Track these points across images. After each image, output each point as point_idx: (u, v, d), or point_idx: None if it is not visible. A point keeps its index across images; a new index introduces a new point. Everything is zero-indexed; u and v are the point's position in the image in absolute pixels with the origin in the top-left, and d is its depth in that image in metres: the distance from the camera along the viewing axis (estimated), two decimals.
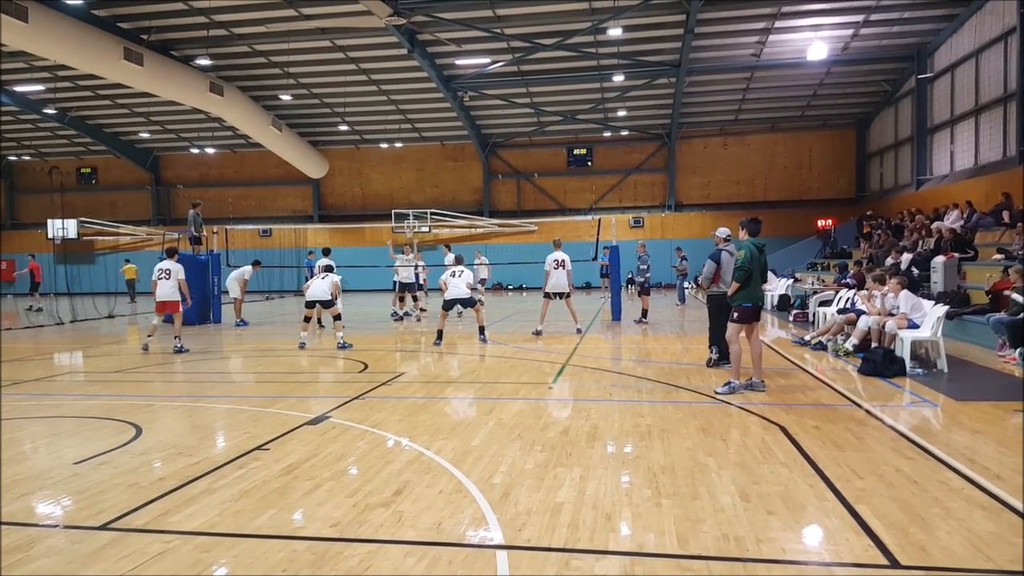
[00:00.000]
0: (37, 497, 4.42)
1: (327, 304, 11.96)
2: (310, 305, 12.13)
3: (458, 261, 12.56)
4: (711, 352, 9.20)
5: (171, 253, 12.15)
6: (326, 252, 14.16)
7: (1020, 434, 5.56)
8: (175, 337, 11.65)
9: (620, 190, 30.93)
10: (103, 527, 3.87)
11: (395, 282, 16.84)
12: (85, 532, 3.81)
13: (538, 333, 12.87)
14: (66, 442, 5.81)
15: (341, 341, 11.69)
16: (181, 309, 11.80)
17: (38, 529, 3.89)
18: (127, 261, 27.86)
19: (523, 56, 22.77)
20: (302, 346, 11.71)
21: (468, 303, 11.94)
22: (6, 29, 16.19)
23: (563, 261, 13.08)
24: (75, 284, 22.24)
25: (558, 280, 13.03)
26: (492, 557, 3.42)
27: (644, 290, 15.53)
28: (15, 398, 7.82)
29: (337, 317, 12.02)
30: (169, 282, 11.62)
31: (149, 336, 11.94)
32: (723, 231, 8.90)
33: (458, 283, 11.86)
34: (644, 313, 15.13)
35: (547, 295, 13.24)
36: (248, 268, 16.75)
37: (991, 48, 18.16)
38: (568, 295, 13.28)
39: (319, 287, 11.94)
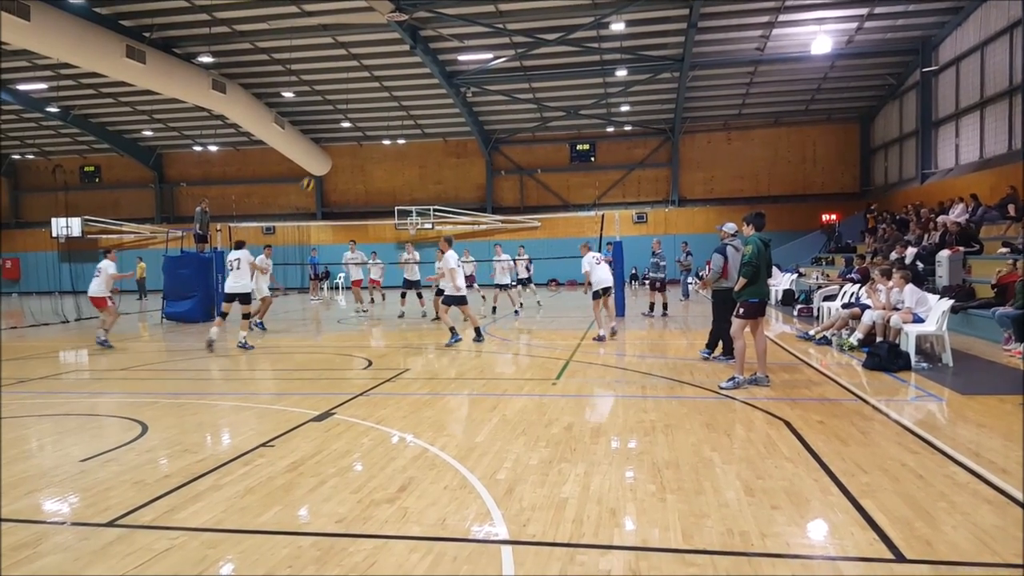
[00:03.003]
0: (44, 494, 4.45)
1: (244, 299, 11.22)
2: (229, 299, 11.37)
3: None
4: (707, 347, 9.38)
5: (106, 252, 12.29)
6: (238, 246, 11.91)
7: None
8: (103, 331, 11.69)
9: (623, 185, 30.86)
10: (110, 524, 3.89)
11: (405, 279, 16.85)
12: (92, 529, 3.83)
13: (601, 338, 11.47)
14: (72, 439, 5.84)
15: (242, 340, 11.14)
16: (109, 305, 11.85)
17: (45, 526, 3.92)
18: (139, 259, 27.91)
19: (526, 51, 22.70)
20: (241, 346, 11.24)
21: (459, 301, 11.63)
22: (8, 27, 16.19)
23: (601, 258, 12.01)
24: (79, 282, 22.27)
25: (604, 275, 11.66)
26: (497, 552, 3.43)
27: (661, 286, 15.63)
28: (21, 396, 7.86)
29: (246, 316, 11.39)
30: (99, 279, 11.77)
31: (105, 330, 11.96)
32: (730, 226, 8.91)
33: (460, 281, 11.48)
34: (664, 307, 15.48)
35: (596, 295, 11.59)
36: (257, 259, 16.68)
37: (996, 41, 18.03)
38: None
39: (235, 279, 11.14)
